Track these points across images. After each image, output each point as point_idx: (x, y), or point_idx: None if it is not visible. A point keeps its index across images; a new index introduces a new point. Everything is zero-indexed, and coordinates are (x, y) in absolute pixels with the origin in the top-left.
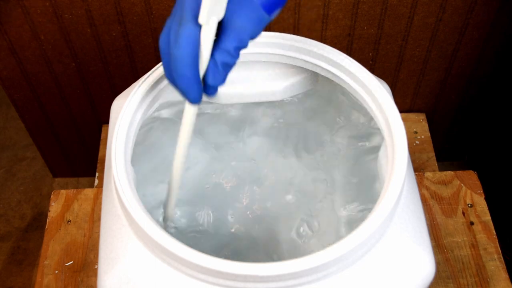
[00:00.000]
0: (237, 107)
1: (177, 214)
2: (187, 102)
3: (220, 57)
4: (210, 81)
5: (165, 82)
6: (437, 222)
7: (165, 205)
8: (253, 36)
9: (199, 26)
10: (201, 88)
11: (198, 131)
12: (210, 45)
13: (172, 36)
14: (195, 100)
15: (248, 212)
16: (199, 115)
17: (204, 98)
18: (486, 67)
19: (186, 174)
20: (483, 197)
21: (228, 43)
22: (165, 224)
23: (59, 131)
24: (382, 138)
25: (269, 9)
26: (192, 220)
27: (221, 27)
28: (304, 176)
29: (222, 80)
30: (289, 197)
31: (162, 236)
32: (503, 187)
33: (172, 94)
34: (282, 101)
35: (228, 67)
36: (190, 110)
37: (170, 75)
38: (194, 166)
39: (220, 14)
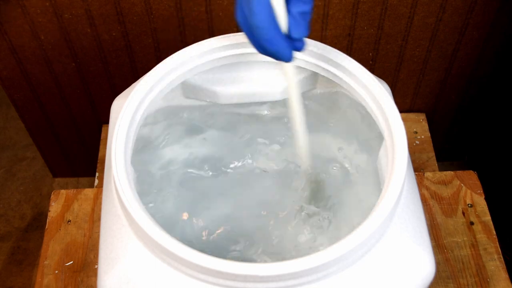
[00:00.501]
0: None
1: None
2: (284, 62)
3: (295, 8)
4: (295, 34)
5: (165, 82)
6: (437, 222)
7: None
8: None
9: None
10: (289, 45)
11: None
12: (282, 2)
13: (245, 8)
14: (289, 58)
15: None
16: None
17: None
18: (486, 67)
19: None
20: (483, 197)
21: None
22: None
23: (59, 131)
24: (382, 138)
25: None
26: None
27: None
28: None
29: (306, 30)
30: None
31: (162, 236)
32: (503, 187)
33: (172, 94)
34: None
35: (306, 15)
36: (289, 68)
37: (259, 45)
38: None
39: None
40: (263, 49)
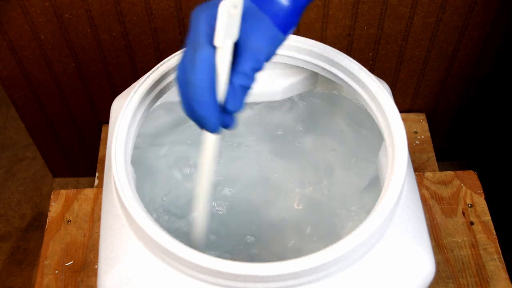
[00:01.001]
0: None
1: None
2: (206, 132)
3: (237, 80)
4: (230, 106)
5: (165, 82)
6: (437, 222)
7: (192, 236)
8: (268, 56)
9: (214, 50)
10: (219, 115)
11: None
12: (228, 69)
13: (187, 63)
14: (215, 128)
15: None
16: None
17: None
18: (486, 67)
19: None
20: (483, 197)
21: (245, 65)
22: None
23: (59, 131)
24: (382, 138)
25: (283, 29)
26: None
27: (236, 50)
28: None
29: (241, 105)
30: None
31: (162, 236)
32: (503, 187)
33: (172, 94)
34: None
35: (246, 90)
36: (210, 139)
37: (188, 106)
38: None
39: (234, 36)
40: (191, 111)
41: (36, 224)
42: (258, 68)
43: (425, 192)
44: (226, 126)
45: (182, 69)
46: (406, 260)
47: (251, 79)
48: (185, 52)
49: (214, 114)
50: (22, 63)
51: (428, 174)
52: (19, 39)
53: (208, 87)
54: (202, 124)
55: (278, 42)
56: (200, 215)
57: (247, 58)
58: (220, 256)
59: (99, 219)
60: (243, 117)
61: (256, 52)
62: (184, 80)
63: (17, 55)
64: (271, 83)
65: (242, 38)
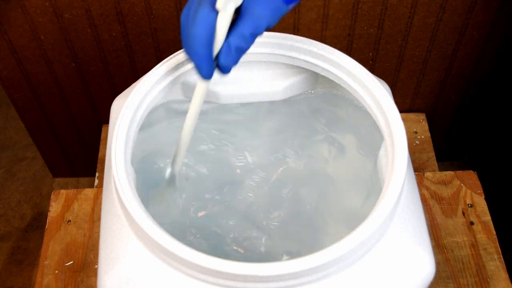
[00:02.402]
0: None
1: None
2: (199, 76)
3: (234, 41)
4: (222, 62)
5: (166, 81)
6: (437, 222)
7: (172, 163)
8: (270, 25)
9: (216, 11)
10: (212, 66)
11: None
12: (226, 30)
13: (190, 15)
14: (206, 76)
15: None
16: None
17: (217, 77)
18: (486, 67)
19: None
20: (483, 197)
21: (245, 28)
22: (171, 179)
23: (59, 131)
24: (382, 138)
25: (287, 0)
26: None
27: (239, 11)
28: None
29: (234, 62)
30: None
31: (162, 236)
32: (503, 187)
33: (172, 94)
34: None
35: (241, 51)
36: (201, 84)
37: (186, 51)
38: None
39: (238, 1)
40: (188, 55)
41: (36, 224)
42: (257, 34)
43: (425, 192)
44: (221, 72)
45: (185, 18)
46: (406, 260)
47: (248, 42)
48: (191, 1)
49: (206, 64)
50: (22, 63)
51: (428, 174)
52: (19, 39)
53: (204, 42)
54: (196, 69)
55: (280, 12)
56: (182, 145)
57: (248, 23)
58: None
59: (99, 219)
60: (241, 117)
61: (258, 19)
62: (185, 29)
63: (17, 55)
64: (271, 83)
65: (246, 3)
